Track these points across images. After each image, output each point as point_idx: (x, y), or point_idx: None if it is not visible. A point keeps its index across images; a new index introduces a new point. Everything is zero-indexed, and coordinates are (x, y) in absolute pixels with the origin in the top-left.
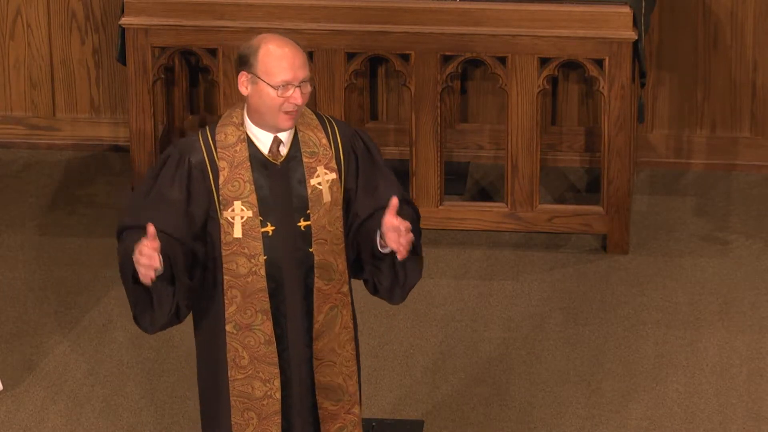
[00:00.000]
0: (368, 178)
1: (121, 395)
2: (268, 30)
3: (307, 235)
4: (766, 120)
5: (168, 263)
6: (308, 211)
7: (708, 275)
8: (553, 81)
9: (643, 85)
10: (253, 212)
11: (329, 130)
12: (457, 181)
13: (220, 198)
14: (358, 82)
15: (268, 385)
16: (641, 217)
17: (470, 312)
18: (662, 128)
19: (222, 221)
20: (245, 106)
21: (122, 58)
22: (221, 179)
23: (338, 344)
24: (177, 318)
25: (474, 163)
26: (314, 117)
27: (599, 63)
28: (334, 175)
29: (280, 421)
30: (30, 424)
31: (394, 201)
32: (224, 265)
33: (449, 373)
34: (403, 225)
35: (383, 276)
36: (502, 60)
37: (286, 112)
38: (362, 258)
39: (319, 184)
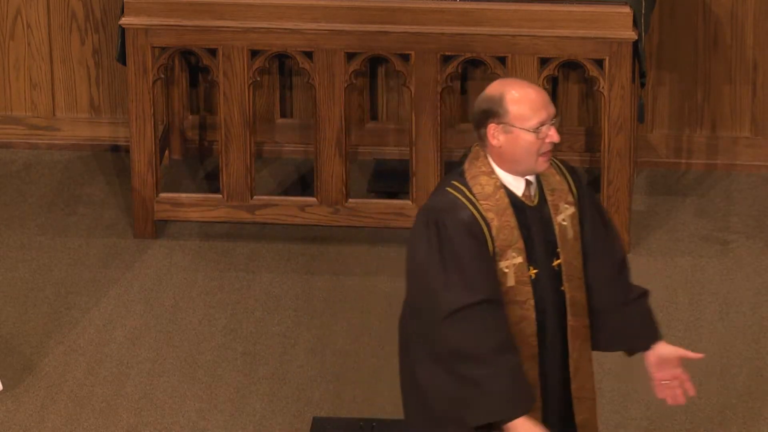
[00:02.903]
0: (597, 219)
1: (121, 395)
2: (268, 30)
3: (559, 273)
4: (766, 120)
5: None
6: (558, 250)
7: (708, 275)
8: (553, 81)
9: (643, 85)
10: (523, 257)
11: (556, 167)
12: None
13: (496, 250)
14: (358, 82)
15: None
16: (641, 217)
17: None
18: (662, 128)
19: (498, 273)
20: (487, 154)
21: (122, 58)
22: (493, 230)
23: (587, 378)
24: None
25: None
26: None
27: (599, 63)
28: (573, 209)
29: None
30: (30, 424)
31: (698, 356)
32: None
33: None
34: (680, 378)
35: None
36: (502, 60)
37: (543, 154)
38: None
39: (564, 220)
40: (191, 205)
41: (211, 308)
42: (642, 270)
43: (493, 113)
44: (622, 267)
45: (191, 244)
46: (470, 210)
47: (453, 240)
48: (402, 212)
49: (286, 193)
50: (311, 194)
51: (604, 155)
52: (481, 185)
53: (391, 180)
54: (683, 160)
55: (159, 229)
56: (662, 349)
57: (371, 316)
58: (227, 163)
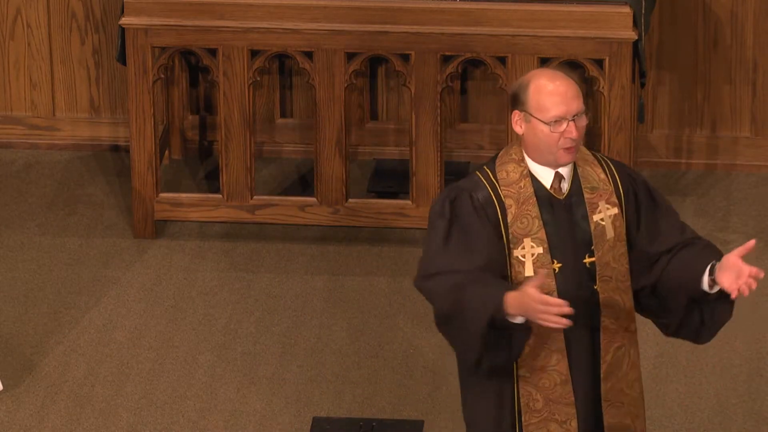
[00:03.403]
0: (654, 220)
1: (121, 395)
2: (268, 30)
3: (591, 271)
4: (766, 120)
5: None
6: (592, 248)
7: None
8: None
9: (643, 85)
10: (543, 248)
11: (605, 165)
12: (458, 181)
13: (510, 236)
14: (358, 82)
15: (564, 426)
16: None
17: None
18: (662, 128)
19: (512, 261)
20: (521, 142)
21: (122, 58)
22: (509, 217)
23: (626, 384)
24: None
25: (474, 163)
26: (588, 153)
27: (599, 63)
28: (616, 210)
29: None
30: (30, 424)
31: (750, 243)
32: None
33: (449, 373)
34: (749, 270)
35: (693, 317)
36: (502, 60)
37: (565, 148)
38: (668, 302)
39: (602, 219)
40: (191, 205)
41: (211, 308)
42: None
43: (518, 100)
44: (670, 250)
45: (191, 244)
46: (488, 191)
47: (463, 217)
48: (402, 212)
49: (286, 193)
50: (311, 194)
51: None
52: (506, 172)
53: (391, 180)
54: (683, 160)
55: (159, 229)
56: (721, 264)
57: (371, 316)
58: (227, 163)
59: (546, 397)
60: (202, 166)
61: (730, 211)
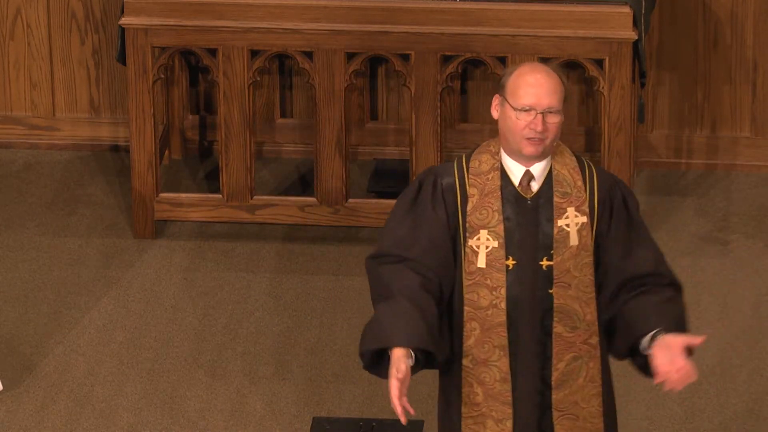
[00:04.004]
0: (621, 235)
1: (121, 395)
2: (268, 30)
3: (548, 275)
4: (766, 120)
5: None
6: (552, 251)
7: (708, 275)
8: None
9: (643, 85)
10: (499, 243)
11: (587, 174)
12: None
13: (467, 225)
14: (358, 82)
15: (500, 425)
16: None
17: None
18: (662, 128)
19: (467, 249)
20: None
21: (122, 58)
22: (469, 206)
23: (582, 398)
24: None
25: None
26: (574, 158)
27: (599, 63)
28: (584, 219)
29: None
30: (30, 424)
31: (699, 340)
32: (465, 296)
33: None
34: (681, 364)
35: (636, 359)
36: (502, 60)
37: (528, 138)
38: (615, 338)
39: (567, 225)
40: (191, 205)
41: (211, 308)
42: None
43: (501, 85)
44: (629, 281)
45: (191, 244)
46: (454, 178)
47: (422, 202)
48: None
49: (286, 193)
50: (311, 194)
51: (604, 155)
52: (479, 161)
53: (391, 180)
54: (683, 160)
55: (159, 229)
56: (665, 339)
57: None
58: (227, 163)
59: (486, 392)
60: (202, 166)
61: (730, 211)
